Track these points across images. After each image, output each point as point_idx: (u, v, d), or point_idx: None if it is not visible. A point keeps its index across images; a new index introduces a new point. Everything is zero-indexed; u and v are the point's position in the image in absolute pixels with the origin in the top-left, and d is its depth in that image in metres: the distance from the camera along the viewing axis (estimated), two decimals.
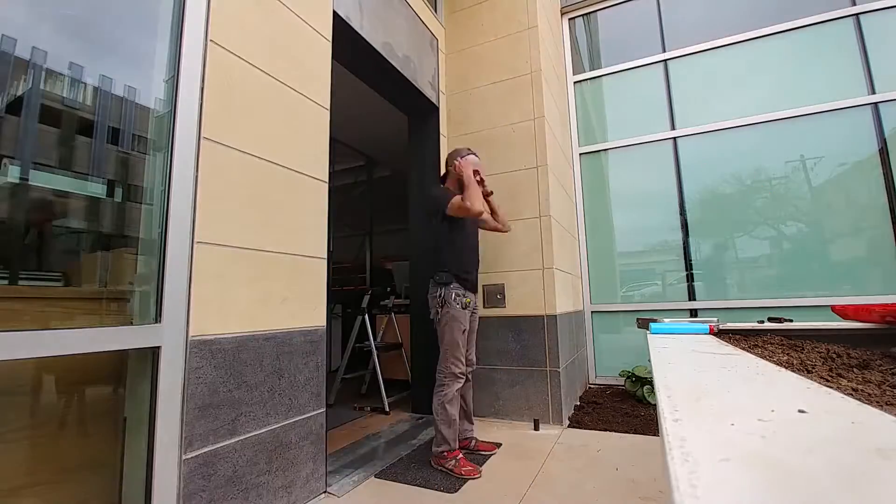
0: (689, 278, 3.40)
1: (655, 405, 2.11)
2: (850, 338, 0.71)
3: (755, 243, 3.29)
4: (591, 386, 3.61)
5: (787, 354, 0.57)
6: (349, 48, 2.40)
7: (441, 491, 1.81)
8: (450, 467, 1.98)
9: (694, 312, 3.31)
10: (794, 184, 3.20)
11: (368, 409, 3.11)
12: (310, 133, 1.86)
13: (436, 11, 3.29)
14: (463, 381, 2.14)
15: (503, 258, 2.89)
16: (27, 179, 1.22)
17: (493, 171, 2.92)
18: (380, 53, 2.52)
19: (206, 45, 1.45)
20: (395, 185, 5.57)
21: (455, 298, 2.10)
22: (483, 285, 2.80)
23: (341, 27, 2.20)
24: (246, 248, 1.53)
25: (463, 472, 1.94)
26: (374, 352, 3.26)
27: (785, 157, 3.22)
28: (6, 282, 1.19)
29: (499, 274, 2.90)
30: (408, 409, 3.05)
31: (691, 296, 3.38)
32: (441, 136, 3.13)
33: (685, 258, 3.43)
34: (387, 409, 3.01)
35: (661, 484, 1.80)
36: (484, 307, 2.88)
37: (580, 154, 3.88)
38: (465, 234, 2.23)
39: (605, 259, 3.82)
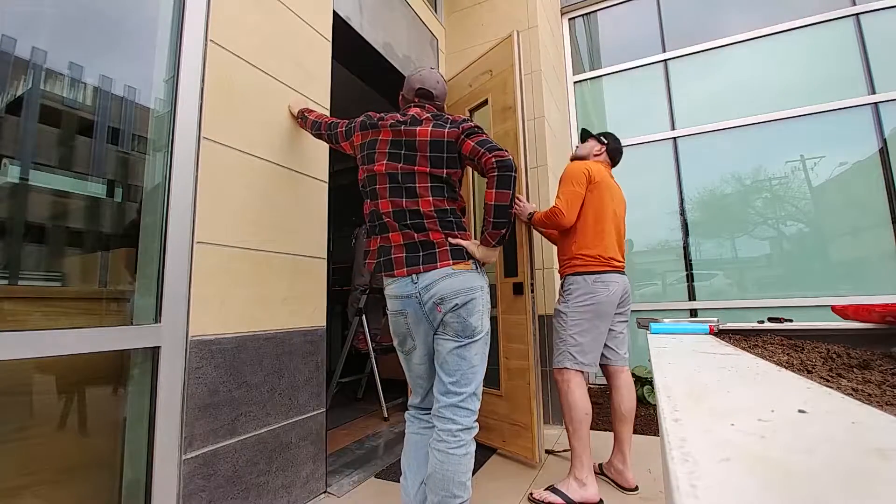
0: (689, 278, 3.40)
1: (655, 405, 2.12)
2: (850, 338, 0.71)
3: (755, 243, 3.29)
4: (591, 386, 3.61)
5: (787, 354, 0.57)
6: (349, 48, 2.40)
7: None
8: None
9: (694, 312, 3.31)
10: (794, 184, 3.20)
11: None
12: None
13: (436, 11, 3.29)
14: None
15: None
16: (27, 179, 1.22)
17: None
18: (380, 53, 2.52)
19: (206, 45, 1.45)
20: None
21: None
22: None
23: (341, 27, 2.20)
24: (246, 248, 1.53)
25: None
26: (372, 354, 3.12)
27: (785, 157, 3.22)
28: (6, 282, 1.19)
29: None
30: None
31: (691, 296, 3.37)
32: None
33: (685, 258, 3.43)
34: (385, 416, 2.92)
35: (661, 484, 1.80)
36: None
37: None
38: None
39: None
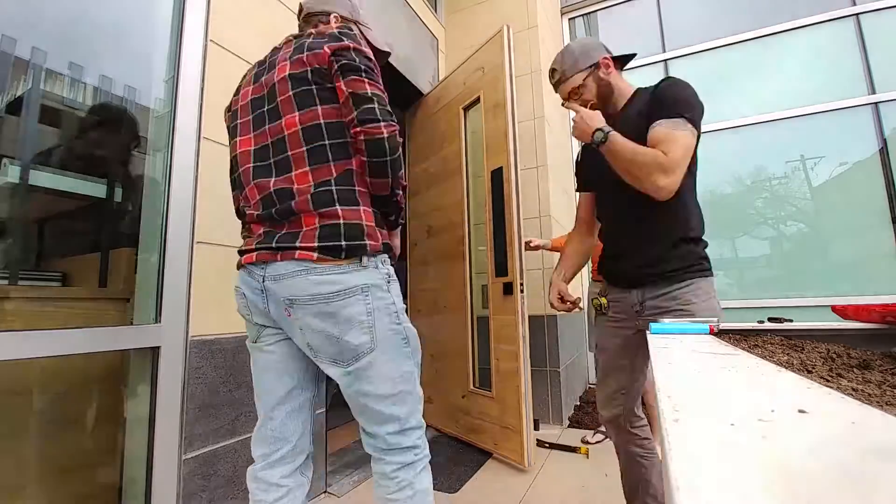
0: None
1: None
2: (850, 338, 0.71)
3: (755, 243, 3.29)
4: (592, 386, 3.60)
5: (787, 354, 0.57)
6: None
7: (442, 491, 1.81)
8: None
9: None
10: (794, 184, 3.20)
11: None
12: None
13: (436, 11, 3.29)
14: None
15: None
16: (27, 179, 1.22)
17: None
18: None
19: (206, 45, 1.45)
20: None
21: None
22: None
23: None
24: None
25: None
26: None
27: (785, 157, 3.22)
28: (6, 282, 1.19)
29: None
30: None
31: None
32: None
33: None
34: None
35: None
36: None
37: None
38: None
39: None
